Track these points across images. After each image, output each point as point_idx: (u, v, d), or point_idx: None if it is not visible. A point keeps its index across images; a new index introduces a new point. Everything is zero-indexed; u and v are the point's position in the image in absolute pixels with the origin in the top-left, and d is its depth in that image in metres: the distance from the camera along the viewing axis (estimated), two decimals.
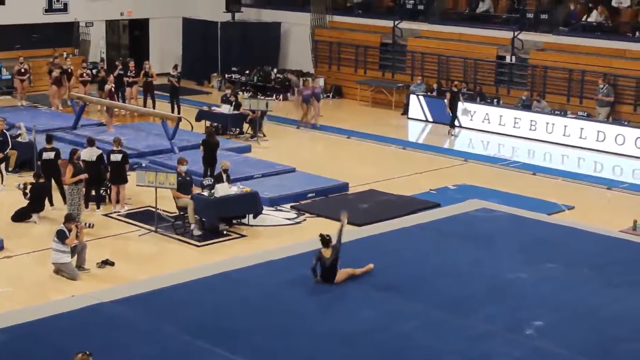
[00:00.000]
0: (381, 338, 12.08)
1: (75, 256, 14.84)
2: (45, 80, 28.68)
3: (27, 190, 17.47)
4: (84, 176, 17.20)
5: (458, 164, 23.02)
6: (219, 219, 17.08)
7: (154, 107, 27.22)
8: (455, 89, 26.21)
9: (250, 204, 17.38)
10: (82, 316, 12.57)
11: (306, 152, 23.88)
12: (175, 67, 28.28)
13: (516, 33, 28.28)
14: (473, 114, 26.74)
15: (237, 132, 25.28)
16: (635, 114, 25.43)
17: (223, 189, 17.04)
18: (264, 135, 25.08)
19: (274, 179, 20.22)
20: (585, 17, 27.88)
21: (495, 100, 27.70)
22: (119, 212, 18.02)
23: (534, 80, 27.71)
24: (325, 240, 13.79)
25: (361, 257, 15.01)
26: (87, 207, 17.93)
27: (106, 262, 15.15)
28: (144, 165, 20.38)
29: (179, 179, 16.98)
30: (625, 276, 14.62)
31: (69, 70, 28.42)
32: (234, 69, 33.03)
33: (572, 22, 28.10)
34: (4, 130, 20.21)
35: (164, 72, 30.05)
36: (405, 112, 28.93)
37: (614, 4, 27.81)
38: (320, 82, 27.66)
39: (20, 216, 17.35)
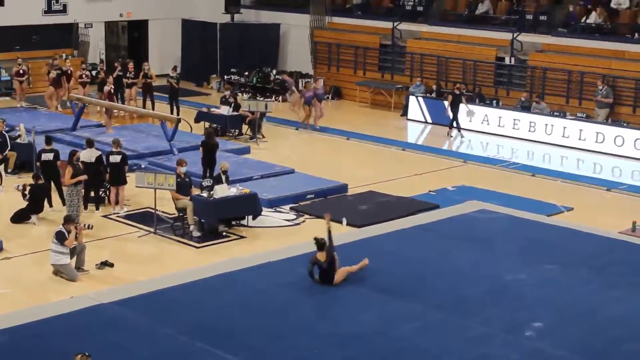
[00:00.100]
0: (380, 340, 12.08)
1: (75, 257, 14.83)
2: (44, 82, 28.67)
3: (26, 192, 17.45)
4: (83, 177, 17.20)
5: (457, 165, 23.02)
6: (218, 220, 17.08)
7: (153, 109, 27.22)
8: (457, 92, 26.21)
9: (250, 205, 17.38)
10: (81, 317, 12.57)
11: (305, 154, 23.86)
12: (175, 68, 28.29)
13: (515, 34, 28.29)
14: (480, 117, 26.66)
15: (237, 133, 25.28)
16: (635, 115, 25.43)
17: (222, 190, 17.04)
18: (263, 137, 25.08)
19: (273, 180, 20.22)
20: (584, 18, 27.89)
21: (494, 101, 27.71)
22: (118, 213, 18.01)
23: (533, 82, 27.71)
24: (320, 243, 13.80)
25: (360, 259, 15.00)
26: (86, 208, 17.93)
27: (105, 264, 15.15)
28: (143, 166, 20.36)
29: (178, 180, 16.98)
30: (624, 277, 14.63)
31: (69, 71, 28.42)
32: (233, 70, 33.03)
33: (571, 24, 28.11)
34: (3, 132, 20.22)
35: (163, 73, 30.07)
36: (405, 113, 28.93)
37: (613, 5, 27.83)
38: (320, 83, 27.65)
39: (20, 217, 17.34)
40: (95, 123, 25.55)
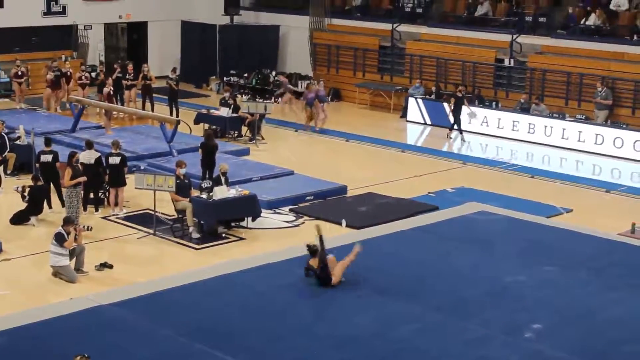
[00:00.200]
0: (379, 341, 12.07)
1: (74, 259, 14.83)
2: (43, 83, 28.66)
3: (26, 193, 17.46)
4: (82, 179, 17.20)
5: (457, 166, 23.03)
6: (217, 221, 17.08)
7: (152, 110, 27.25)
8: (460, 94, 26.20)
9: (249, 207, 17.38)
10: (81, 319, 12.57)
11: (305, 155, 23.87)
12: (174, 70, 28.30)
13: (515, 36, 28.31)
14: (479, 118, 26.64)
15: (236, 135, 25.29)
16: (634, 117, 25.44)
17: (222, 192, 17.04)
18: (263, 138, 25.08)
19: (272, 182, 20.22)
20: (583, 20, 27.90)
21: (493, 103, 27.71)
22: (117, 214, 18.02)
23: (533, 84, 27.72)
24: (312, 250, 13.80)
25: (359, 260, 14.99)
26: (85, 209, 17.94)
27: (104, 265, 15.15)
28: (142, 168, 20.34)
29: (178, 181, 16.99)
30: (623, 279, 14.63)
31: (68, 73, 28.42)
32: (232, 72, 33.03)
33: (571, 25, 28.12)
34: (3, 133, 20.23)
35: (163, 75, 30.07)
36: (404, 115, 28.94)
37: (612, 7, 27.84)
38: (322, 85, 27.66)
39: (19, 219, 17.34)
40: (94, 125, 25.54)
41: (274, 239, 16.91)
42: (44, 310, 12.97)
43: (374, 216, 18.14)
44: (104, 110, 25.54)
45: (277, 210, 18.60)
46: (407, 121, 28.57)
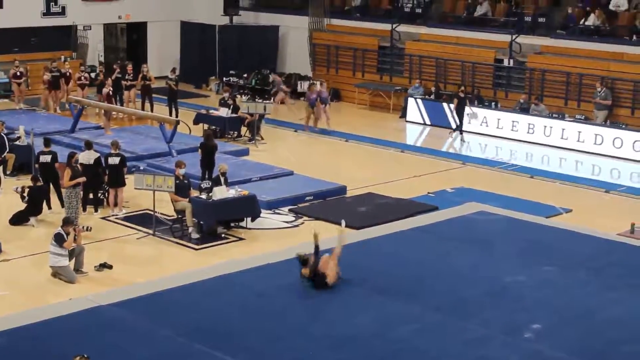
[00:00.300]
0: (378, 341, 12.08)
1: (73, 259, 14.83)
2: (43, 84, 28.66)
3: (25, 194, 17.46)
4: (82, 179, 17.20)
5: (456, 167, 23.03)
6: (217, 222, 17.08)
7: (152, 111, 27.25)
8: (462, 94, 26.19)
9: (248, 207, 17.39)
10: (80, 319, 12.57)
11: (304, 155, 23.87)
12: (173, 70, 28.29)
13: (514, 36, 28.31)
14: (479, 118, 26.63)
15: (235, 135, 25.29)
16: (633, 117, 25.44)
17: (221, 192, 17.04)
18: (262, 139, 25.09)
19: (271, 182, 20.22)
20: (583, 20, 27.91)
21: (493, 103, 27.71)
22: (116, 215, 18.01)
23: (532, 84, 27.73)
24: (303, 260, 13.76)
25: (359, 260, 15.03)
26: (85, 210, 17.94)
27: (104, 265, 15.15)
28: (141, 168, 20.34)
29: (177, 182, 16.98)
30: (623, 279, 14.64)
31: (67, 73, 28.42)
32: (232, 72, 33.02)
33: (570, 26, 28.12)
34: (2, 134, 20.23)
35: (162, 75, 30.06)
36: (403, 115, 28.94)
37: (611, 7, 27.84)
38: (325, 86, 27.64)
39: (18, 219, 17.34)
40: (93, 125, 25.54)
41: (274, 239, 16.91)
42: (43, 310, 12.97)
43: (374, 216, 18.14)
44: (103, 111, 25.53)
45: (277, 211, 18.60)
46: (407, 121, 28.57)
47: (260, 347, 11.84)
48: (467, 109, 26.27)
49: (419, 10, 31.57)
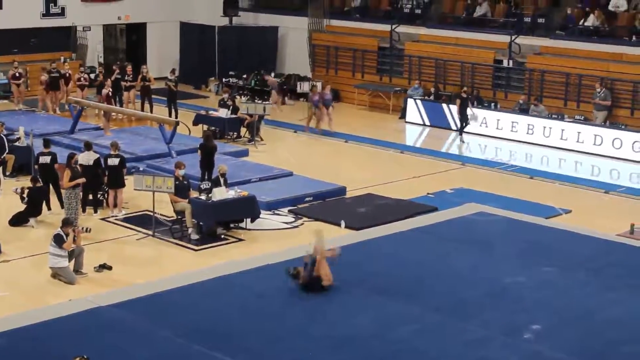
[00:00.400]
0: (378, 342, 12.08)
1: (73, 260, 14.82)
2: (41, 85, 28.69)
3: (25, 195, 17.46)
4: (81, 180, 17.19)
5: (455, 167, 23.03)
6: (216, 222, 17.08)
7: (151, 111, 27.25)
8: (465, 95, 26.17)
9: (248, 208, 17.38)
10: (80, 320, 12.58)
11: (304, 156, 23.87)
12: (173, 71, 28.29)
13: (513, 37, 28.31)
14: (479, 119, 26.61)
15: (235, 136, 25.29)
16: (632, 117, 25.43)
17: (220, 193, 17.04)
18: (262, 139, 25.08)
19: (271, 183, 20.22)
20: (582, 21, 27.91)
21: (492, 104, 27.71)
22: (116, 216, 18.01)
23: (532, 84, 27.73)
24: (293, 275, 13.71)
25: (358, 261, 15.05)
26: (84, 211, 17.93)
27: (103, 266, 15.14)
28: (141, 169, 20.35)
29: (177, 183, 16.98)
30: (622, 279, 14.65)
31: (67, 74, 28.41)
32: (231, 73, 33.02)
33: (569, 26, 28.13)
34: (2, 135, 20.22)
35: (162, 76, 30.05)
36: (403, 116, 28.94)
37: (610, 8, 27.85)
38: (329, 88, 27.60)
39: (18, 220, 17.33)
40: (93, 126, 25.53)
41: (273, 240, 16.91)
42: (43, 311, 12.97)
43: (373, 217, 18.14)
44: (102, 112, 25.52)
45: (276, 212, 18.59)
46: (406, 122, 28.56)
47: (260, 348, 11.84)
48: (469, 110, 26.25)
49: (418, 11, 31.56)
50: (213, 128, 24.94)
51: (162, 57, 34.59)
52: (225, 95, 26.22)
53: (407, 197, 19.67)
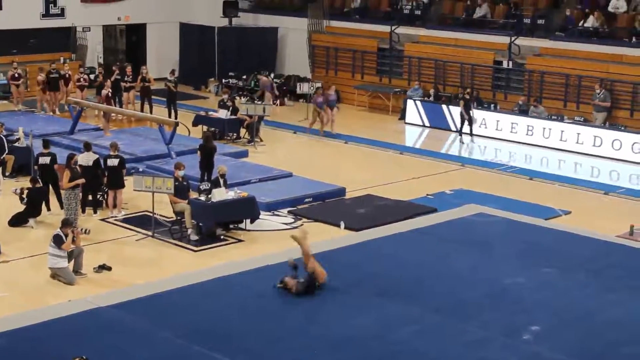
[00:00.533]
0: (377, 343, 12.07)
1: (72, 261, 14.82)
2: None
3: (24, 195, 17.46)
4: (81, 181, 17.19)
5: (455, 168, 23.03)
6: (216, 223, 17.07)
7: (151, 112, 27.25)
8: (468, 97, 26.15)
9: (248, 209, 17.38)
10: (79, 320, 12.57)
11: (304, 157, 23.87)
12: (173, 72, 28.29)
13: (513, 38, 28.32)
14: (478, 120, 26.59)
15: (234, 136, 25.29)
16: (632, 119, 25.44)
17: (220, 194, 17.04)
18: (261, 140, 25.08)
19: (271, 184, 20.22)
20: (581, 22, 27.93)
21: (492, 105, 27.72)
22: (115, 217, 18.00)
23: (531, 86, 27.74)
24: (286, 287, 13.66)
25: (358, 262, 15.05)
26: (84, 211, 17.93)
27: (103, 267, 15.14)
28: (141, 170, 20.35)
29: (176, 183, 16.98)
30: (622, 281, 14.64)
31: (67, 75, 28.41)
32: (231, 74, 33.03)
33: (569, 28, 28.14)
34: (1, 135, 20.22)
35: (161, 77, 30.04)
36: (402, 117, 28.94)
37: (610, 9, 27.87)
38: (333, 89, 27.57)
39: (17, 221, 17.33)
40: (93, 127, 25.54)
41: (273, 241, 16.89)
42: (42, 312, 12.96)
43: (373, 218, 18.13)
44: (102, 112, 25.53)
45: (276, 212, 18.59)
46: (406, 123, 28.56)
47: (260, 349, 11.83)
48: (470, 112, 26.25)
49: (418, 12, 31.57)
50: (213, 129, 24.94)
51: (162, 57, 34.58)
52: (225, 96, 26.22)
53: (406, 198, 19.67)
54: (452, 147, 25.77)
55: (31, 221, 17.34)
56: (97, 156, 18.24)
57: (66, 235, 14.55)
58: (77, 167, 17.45)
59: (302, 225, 17.79)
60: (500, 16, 30.11)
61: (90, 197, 18.19)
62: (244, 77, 32.61)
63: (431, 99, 28.65)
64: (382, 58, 31.53)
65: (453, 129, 26.84)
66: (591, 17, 27.59)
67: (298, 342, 12.11)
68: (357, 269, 14.70)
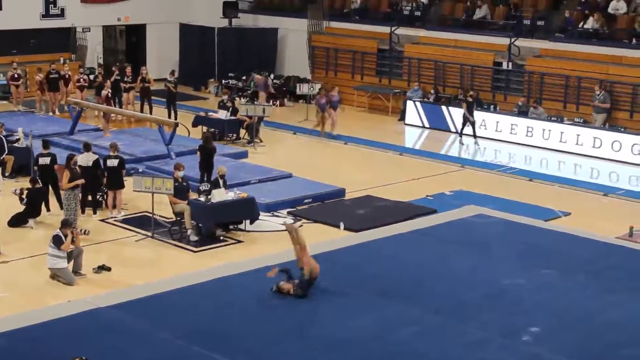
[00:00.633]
0: (377, 344, 12.08)
1: (72, 261, 14.82)
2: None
3: (24, 196, 17.45)
4: (80, 181, 17.18)
5: (455, 170, 23.03)
6: (215, 224, 17.07)
7: (150, 113, 27.25)
8: (471, 99, 26.13)
9: (247, 210, 17.38)
10: (79, 321, 12.57)
11: (303, 158, 23.86)
12: (172, 72, 28.28)
13: (513, 39, 28.32)
14: (478, 121, 26.56)
15: (234, 137, 25.28)
16: (632, 120, 25.45)
17: (220, 195, 17.04)
18: (261, 141, 25.08)
19: (270, 185, 20.22)
20: (581, 23, 27.94)
21: (491, 106, 27.72)
22: (115, 217, 18.00)
23: (531, 87, 27.75)
24: (279, 291, 13.63)
25: (358, 263, 15.05)
26: (83, 212, 17.92)
27: (102, 268, 15.13)
28: (140, 170, 20.35)
29: (176, 184, 16.97)
30: (622, 282, 14.65)
31: (66, 75, 28.41)
32: (230, 74, 33.04)
33: (569, 29, 28.15)
34: (1, 136, 20.22)
35: (161, 77, 30.06)
36: (402, 118, 28.95)
37: (610, 10, 27.87)
38: (336, 91, 27.58)
39: (17, 221, 17.32)
40: (92, 127, 25.53)
41: (272, 242, 16.89)
42: (42, 312, 12.97)
43: (372, 219, 18.13)
44: (102, 113, 25.52)
45: (275, 213, 18.59)
46: (406, 124, 28.57)
47: (259, 350, 11.83)
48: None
49: (418, 13, 31.57)
50: (212, 129, 24.94)
51: (162, 58, 34.59)
52: (225, 97, 26.22)
53: (406, 199, 19.67)
54: (451, 148, 25.77)
55: (31, 222, 17.34)
56: (96, 157, 18.23)
57: (66, 236, 14.55)
58: (77, 167, 17.45)
59: (301, 226, 17.80)
60: (500, 17, 30.12)
61: (89, 198, 18.19)
62: (244, 77, 32.60)
63: (431, 100, 28.65)
64: (382, 59, 31.54)
65: (453, 130, 26.84)
66: (591, 18, 27.61)
67: (298, 342, 12.11)
68: (357, 270, 14.71)
